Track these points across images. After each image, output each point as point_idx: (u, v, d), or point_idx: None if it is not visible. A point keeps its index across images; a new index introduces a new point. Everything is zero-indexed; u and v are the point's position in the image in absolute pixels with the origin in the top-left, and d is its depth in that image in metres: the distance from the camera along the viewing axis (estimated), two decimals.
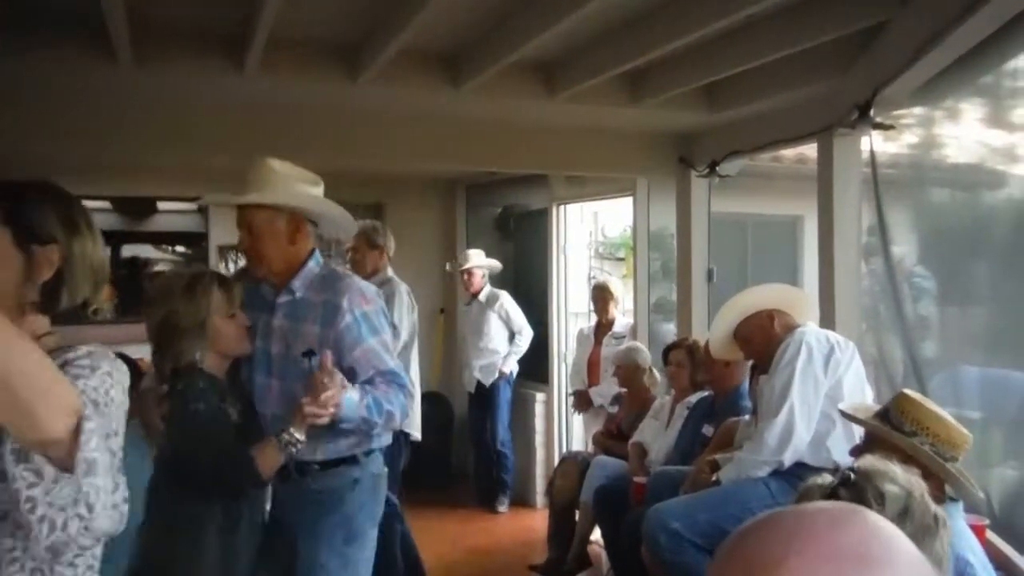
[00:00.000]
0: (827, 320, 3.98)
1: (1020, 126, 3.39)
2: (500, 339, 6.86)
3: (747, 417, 4.12)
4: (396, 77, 4.12)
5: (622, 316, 6.49)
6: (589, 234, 7.83)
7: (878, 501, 1.54)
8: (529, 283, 7.53)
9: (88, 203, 1.82)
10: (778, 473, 3.47)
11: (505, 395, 6.89)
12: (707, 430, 4.45)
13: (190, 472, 2.55)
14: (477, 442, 7.07)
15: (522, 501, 7.05)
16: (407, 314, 4.79)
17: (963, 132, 3.68)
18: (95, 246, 1.68)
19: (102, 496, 1.39)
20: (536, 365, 7.14)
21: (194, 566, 2.52)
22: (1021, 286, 3.27)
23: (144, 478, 2.55)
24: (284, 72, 4.00)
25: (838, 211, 4.15)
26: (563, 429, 7.12)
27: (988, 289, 3.52)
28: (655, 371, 5.51)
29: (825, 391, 3.45)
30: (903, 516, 1.54)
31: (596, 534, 5.15)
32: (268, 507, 2.85)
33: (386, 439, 2.95)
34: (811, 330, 3.59)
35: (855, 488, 1.54)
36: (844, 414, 2.95)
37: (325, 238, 3.18)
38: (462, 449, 7.48)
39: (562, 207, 7.13)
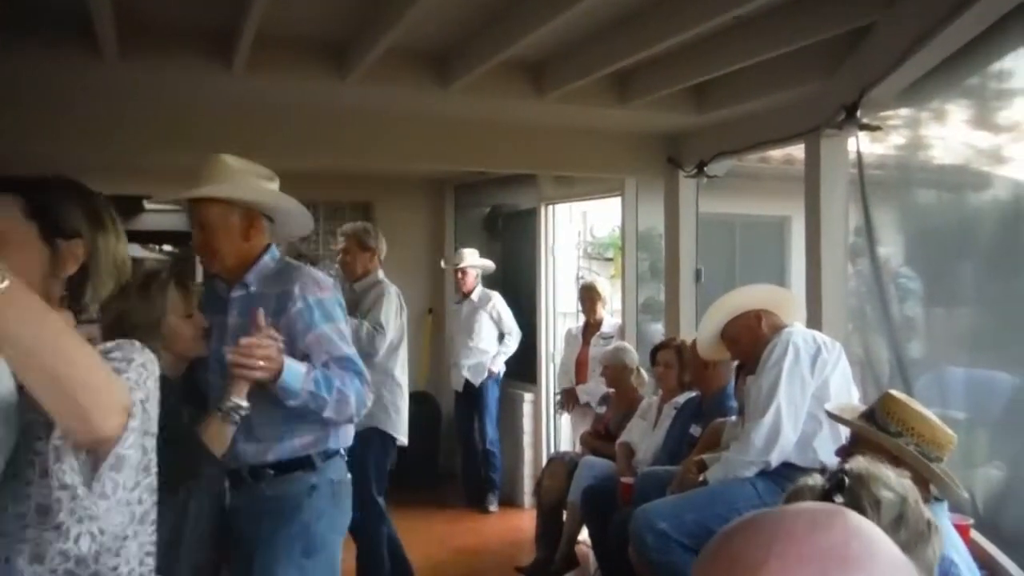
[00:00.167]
0: (814, 320, 3.99)
1: (1006, 128, 3.40)
2: (490, 339, 6.87)
3: (733, 418, 4.13)
4: (385, 76, 4.12)
5: (610, 316, 6.50)
6: (577, 234, 7.83)
7: (873, 508, 1.54)
8: (517, 283, 7.53)
9: None
10: (765, 473, 3.48)
11: (493, 394, 6.90)
12: (694, 430, 4.45)
13: None
14: (464, 441, 7.08)
15: (510, 501, 7.05)
16: (395, 316, 4.76)
17: (949, 133, 3.70)
18: (119, 241, 1.68)
19: (119, 492, 1.39)
20: (524, 365, 7.14)
21: None
22: (1006, 287, 3.29)
23: None
24: (272, 71, 3.99)
25: (825, 212, 4.16)
26: (551, 429, 7.12)
27: (973, 290, 3.54)
28: (643, 371, 5.52)
29: (812, 391, 3.47)
30: (898, 523, 1.54)
31: (584, 534, 5.16)
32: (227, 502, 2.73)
33: (346, 439, 2.82)
34: (798, 330, 3.60)
35: (850, 493, 1.54)
36: (830, 415, 2.96)
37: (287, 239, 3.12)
38: (450, 449, 7.48)
39: (550, 207, 7.14)
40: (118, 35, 3.45)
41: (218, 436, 2.48)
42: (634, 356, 5.55)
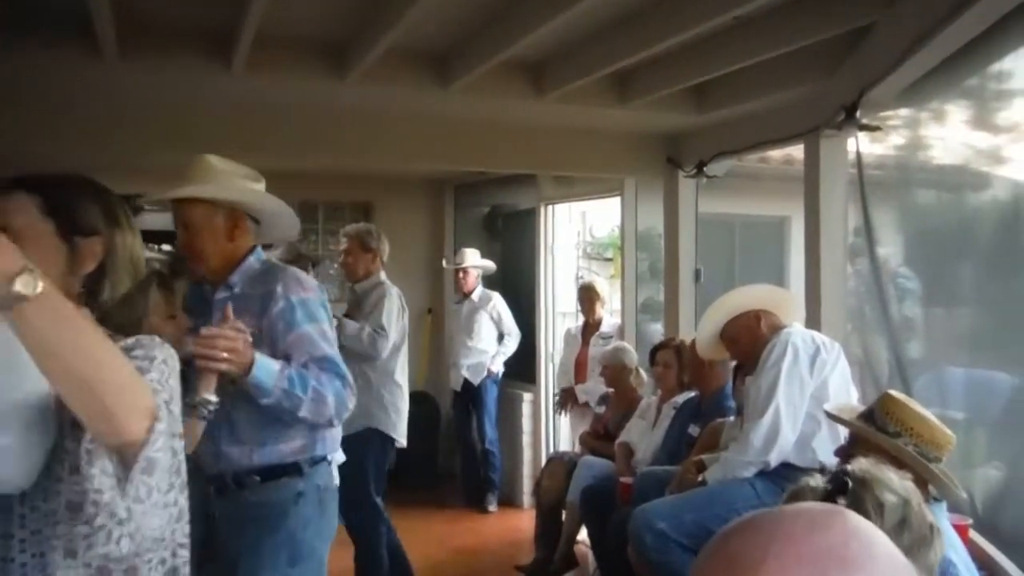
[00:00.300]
0: (813, 320, 3.99)
1: (1005, 128, 3.40)
2: (490, 339, 6.88)
3: (732, 419, 4.14)
4: (384, 76, 4.12)
5: (609, 316, 6.51)
6: (577, 234, 7.83)
7: (877, 511, 1.54)
8: (517, 283, 7.53)
9: None
10: (764, 473, 3.49)
11: (492, 394, 6.91)
12: (693, 430, 4.46)
13: None
14: (463, 441, 7.08)
15: (509, 501, 7.05)
16: (397, 317, 4.74)
17: (948, 134, 3.70)
18: (135, 239, 1.69)
19: (154, 495, 1.39)
20: (524, 365, 7.14)
21: None
22: (1005, 287, 3.29)
23: None
24: (272, 71, 3.99)
25: (824, 212, 4.17)
26: (550, 429, 7.12)
27: (973, 290, 3.54)
28: (642, 371, 5.52)
29: (811, 392, 3.47)
30: (901, 527, 1.54)
31: (583, 534, 5.16)
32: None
33: (333, 445, 2.76)
34: (797, 331, 3.61)
35: (853, 496, 1.54)
36: (829, 415, 2.96)
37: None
38: (449, 449, 7.48)
39: (550, 207, 7.14)
40: (118, 35, 3.44)
41: (188, 433, 2.45)
42: (633, 356, 5.56)
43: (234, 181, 2.72)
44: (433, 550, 5.68)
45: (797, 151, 4.83)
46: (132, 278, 1.67)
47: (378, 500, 4.57)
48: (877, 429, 2.55)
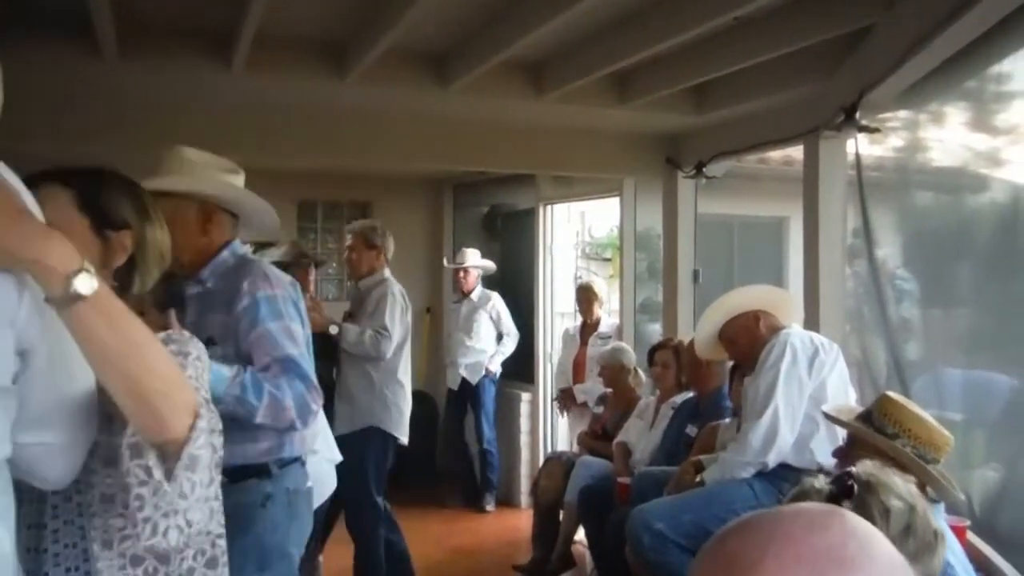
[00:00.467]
0: (811, 321, 4.00)
1: (1004, 130, 3.41)
2: (489, 339, 6.89)
3: (728, 420, 4.14)
4: (384, 76, 4.12)
5: (608, 316, 6.51)
6: (576, 234, 7.84)
7: (883, 516, 1.53)
8: (516, 283, 7.53)
9: None
10: (762, 474, 3.49)
11: (490, 394, 6.91)
12: (691, 430, 4.46)
13: None
14: (455, 440, 7.09)
15: (507, 501, 7.05)
16: (400, 316, 4.71)
17: (947, 136, 3.70)
18: (163, 232, 1.71)
19: (197, 490, 1.40)
20: (522, 365, 7.14)
21: None
22: (1003, 289, 3.29)
23: None
24: (272, 71, 3.99)
25: (823, 213, 4.17)
26: (548, 429, 7.12)
27: (971, 292, 3.55)
28: (640, 372, 5.52)
29: (809, 393, 3.47)
30: (906, 533, 1.54)
31: (580, 534, 5.16)
32: None
33: (303, 444, 2.66)
34: (796, 332, 3.61)
35: (859, 500, 1.54)
36: (827, 416, 2.96)
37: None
38: (447, 448, 7.48)
39: (549, 207, 7.14)
40: (118, 35, 3.45)
41: None
42: (632, 356, 5.56)
43: (209, 173, 2.64)
44: (431, 550, 5.68)
45: (796, 152, 4.84)
46: (160, 270, 1.69)
47: (379, 500, 4.56)
48: (875, 430, 2.55)
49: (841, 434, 2.98)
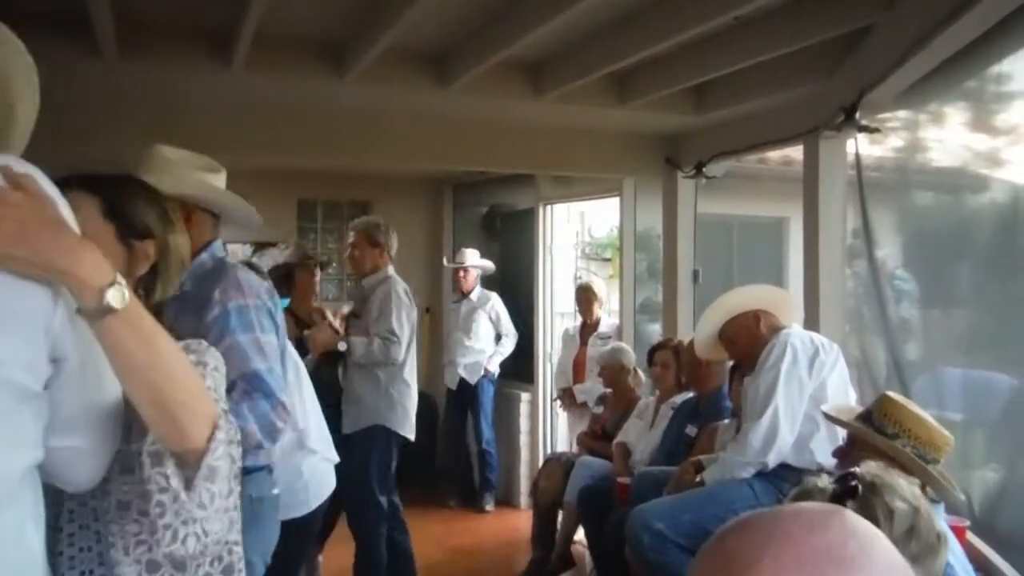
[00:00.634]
0: (811, 321, 3.99)
1: (1004, 130, 3.41)
2: (488, 339, 6.90)
3: (727, 420, 4.14)
4: (384, 76, 4.12)
5: (607, 316, 6.51)
6: (576, 234, 7.83)
7: (887, 518, 1.53)
8: (515, 283, 7.53)
9: None
10: (762, 474, 3.49)
11: (488, 394, 6.91)
12: (691, 430, 4.46)
13: None
14: (455, 440, 7.09)
15: (506, 501, 7.05)
16: (406, 317, 4.67)
17: (947, 136, 3.70)
18: (184, 239, 1.74)
19: (216, 501, 1.41)
20: (521, 365, 7.14)
21: None
22: (1003, 289, 3.29)
23: None
24: (271, 70, 3.99)
25: (823, 213, 4.17)
26: (548, 429, 7.12)
27: (971, 292, 3.54)
28: (640, 372, 5.52)
29: (809, 393, 3.47)
30: (909, 534, 1.53)
31: (580, 534, 5.16)
32: None
33: (265, 456, 2.55)
34: (796, 332, 3.61)
35: (863, 501, 1.54)
36: (827, 416, 2.96)
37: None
38: (447, 448, 7.48)
39: (549, 207, 7.14)
40: (117, 34, 3.44)
41: None
42: (631, 356, 5.56)
43: (187, 173, 2.56)
44: (431, 550, 5.67)
45: (796, 152, 4.83)
46: (181, 278, 1.73)
47: (382, 499, 4.54)
48: (875, 430, 2.55)
49: (841, 434, 2.98)
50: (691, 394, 4.72)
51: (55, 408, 1.29)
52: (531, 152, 5.42)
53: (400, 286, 4.75)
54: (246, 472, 2.48)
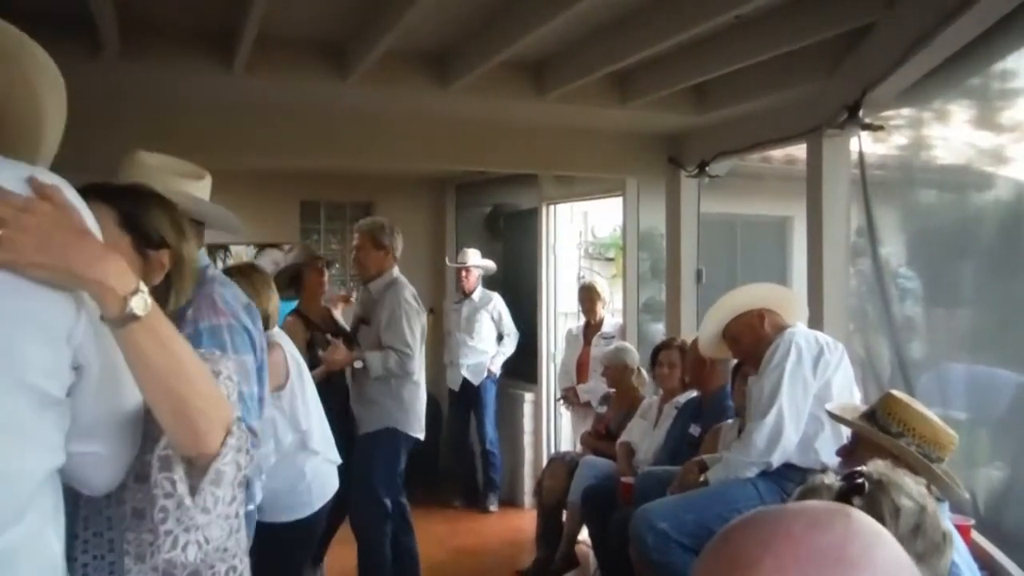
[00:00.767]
0: (815, 320, 3.98)
1: (1008, 128, 3.39)
2: (490, 339, 6.90)
3: (730, 421, 4.13)
4: (385, 76, 4.12)
5: (611, 316, 6.51)
6: (579, 234, 7.82)
7: (893, 516, 1.53)
8: (519, 283, 7.53)
9: None
10: (766, 474, 3.48)
11: (491, 394, 6.91)
12: (694, 430, 4.45)
13: None
14: (459, 441, 7.09)
15: (510, 501, 7.05)
16: (417, 323, 4.62)
17: (951, 133, 3.69)
18: (196, 249, 1.78)
19: (219, 506, 1.43)
20: (525, 365, 7.13)
21: None
22: (1007, 287, 3.28)
23: None
24: (273, 71, 3.99)
25: (827, 212, 4.16)
26: (551, 429, 7.12)
27: (975, 290, 3.53)
28: (643, 371, 5.51)
29: (814, 392, 3.46)
30: (915, 533, 1.53)
31: (584, 534, 5.15)
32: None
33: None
34: (801, 331, 3.60)
35: (869, 498, 1.53)
36: (831, 415, 2.96)
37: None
38: (450, 449, 7.48)
39: (552, 207, 7.13)
40: (119, 35, 3.44)
41: None
42: (635, 356, 5.55)
43: (167, 179, 2.46)
44: (434, 550, 5.66)
45: (799, 151, 4.82)
46: (193, 287, 1.76)
47: (386, 501, 4.53)
48: (879, 429, 2.54)
49: (846, 433, 2.97)
50: (695, 394, 4.71)
51: (76, 415, 1.31)
52: (533, 152, 5.42)
53: (408, 291, 4.70)
54: None
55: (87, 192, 1.55)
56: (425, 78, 4.25)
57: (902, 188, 4.09)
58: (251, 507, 2.64)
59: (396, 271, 4.80)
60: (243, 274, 3.44)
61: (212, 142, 4.60)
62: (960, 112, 3.61)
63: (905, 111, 3.80)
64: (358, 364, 4.53)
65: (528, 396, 7.14)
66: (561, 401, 6.62)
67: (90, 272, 1.24)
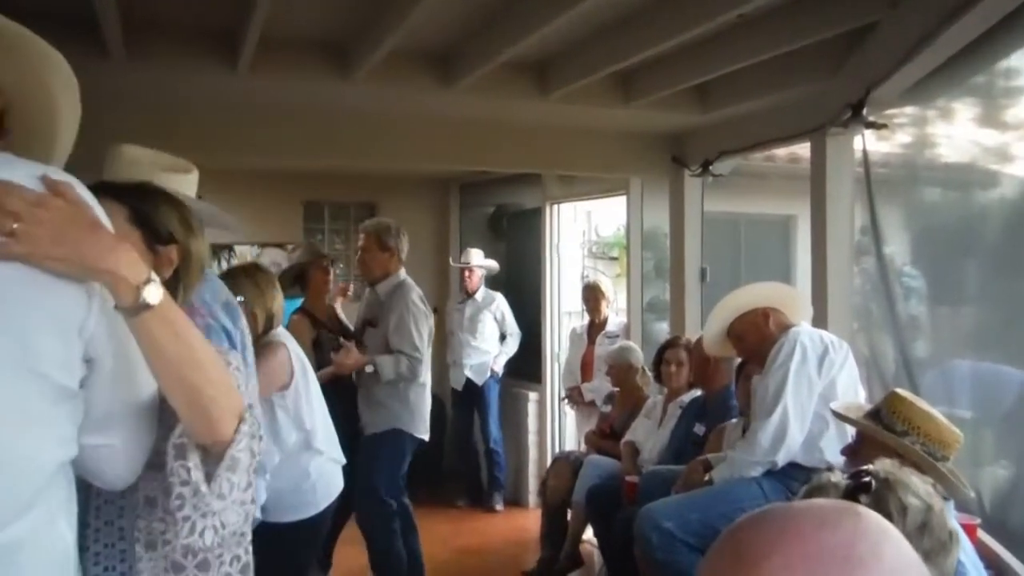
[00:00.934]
0: (819, 319, 3.98)
1: (1012, 126, 3.39)
2: (493, 339, 6.90)
3: (734, 420, 4.13)
4: (388, 76, 4.12)
5: (615, 315, 6.51)
6: (582, 233, 7.83)
7: (900, 513, 1.53)
8: (522, 282, 7.53)
9: None
10: (771, 473, 3.48)
11: (495, 393, 6.91)
12: (699, 429, 4.45)
13: None
14: (464, 440, 7.09)
15: (515, 501, 7.05)
16: (425, 326, 4.59)
17: (955, 132, 3.68)
18: (204, 244, 1.80)
19: (234, 492, 1.46)
20: (529, 364, 7.13)
21: None
22: (1012, 285, 3.27)
23: None
24: (276, 71, 3.99)
25: (831, 210, 4.15)
26: (556, 429, 7.11)
27: (980, 288, 3.53)
28: (648, 370, 5.51)
29: (819, 391, 3.45)
30: (922, 530, 1.53)
31: (588, 533, 5.15)
32: None
33: None
34: (805, 330, 3.59)
35: (876, 496, 1.53)
36: (836, 413, 2.95)
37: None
38: (454, 448, 7.49)
39: (555, 206, 7.13)
40: (124, 35, 3.45)
41: None
42: (639, 355, 5.55)
43: (152, 174, 2.35)
44: (438, 550, 5.66)
45: (803, 149, 4.82)
46: (200, 283, 1.78)
47: (390, 500, 4.53)
48: (884, 428, 2.54)
49: (850, 432, 2.97)
50: (699, 393, 4.71)
51: (90, 407, 1.33)
52: (536, 152, 5.42)
53: (415, 293, 4.66)
54: None
55: (97, 190, 1.57)
56: (428, 78, 4.25)
57: (906, 186, 4.08)
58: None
59: (403, 273, 4.76)
60: (247, 274, 3.45)
61: (215, 142, 4.60)
62: (964, 110, 3.60)
63: (909, 109, 3.79)
64: (369, 369, 4.49)
65: (532, 395, 7.14)
66: (565, 400, 6.62)
67: (103, 263, 1.26)
